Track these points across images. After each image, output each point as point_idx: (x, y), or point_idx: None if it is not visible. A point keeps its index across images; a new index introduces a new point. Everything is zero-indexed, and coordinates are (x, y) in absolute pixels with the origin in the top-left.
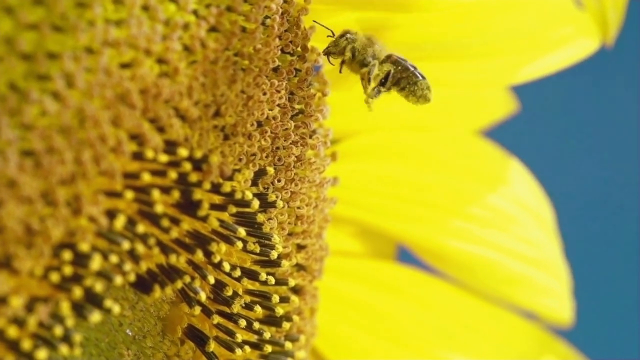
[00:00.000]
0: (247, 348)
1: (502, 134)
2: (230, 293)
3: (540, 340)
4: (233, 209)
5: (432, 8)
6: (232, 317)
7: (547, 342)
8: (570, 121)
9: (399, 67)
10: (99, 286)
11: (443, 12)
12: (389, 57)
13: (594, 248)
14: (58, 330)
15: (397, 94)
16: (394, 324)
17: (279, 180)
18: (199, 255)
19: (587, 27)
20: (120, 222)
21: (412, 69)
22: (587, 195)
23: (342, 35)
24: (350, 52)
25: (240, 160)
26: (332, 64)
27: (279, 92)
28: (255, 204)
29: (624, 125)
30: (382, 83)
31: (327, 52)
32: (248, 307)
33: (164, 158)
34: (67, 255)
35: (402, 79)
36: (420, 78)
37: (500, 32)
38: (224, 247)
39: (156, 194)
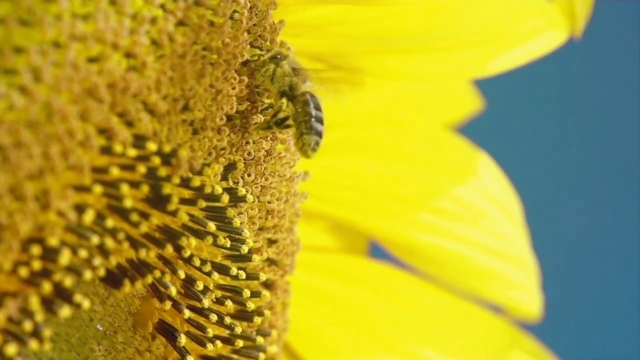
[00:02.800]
0: (219, 343)
1: (471, 130)
2: (201, 288)
3: (510, 335)
4: (203, 204)
5: (400, 1)
6: (203, 312)
7: (516, 337)
8: (538, 116)
9: (303, 110)
10: (68, 281)
11: (411, 5)
12: (302, 95)
13: (575, 244)
14: (27, 325)
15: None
16: (366, 319)
17: (249, 175)
18: (169, 250)
19: (555, 19)
20: (89, 216)
21: (311, 121)
22: (555, 189)
23: (271, 58)
24: (269, 78)
25: (209, 154)
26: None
27: (248, 86)
28: (225, 198)
29: (593, 120)
30: (277, 123)
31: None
32: (219, 301)
33: (132, 152)
34: (35, 249)
35: (301, 122)
36: (312, 133)
37: (469, 25)
38: (194, 241)
39: (125, 188)
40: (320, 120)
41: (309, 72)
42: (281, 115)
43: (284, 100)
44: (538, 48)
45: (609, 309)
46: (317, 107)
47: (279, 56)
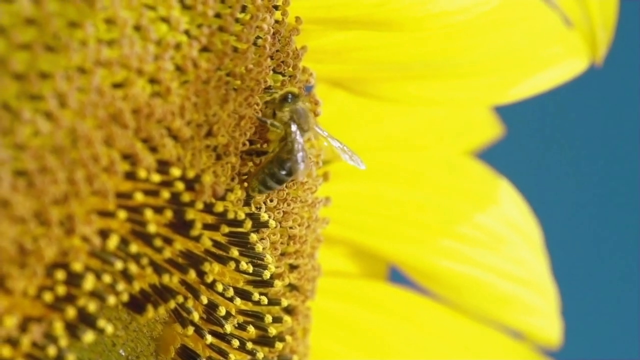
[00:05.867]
0: None
1: (490, 155)
2: (223, 313)
3: None
4: (226, 229)
5: (421, 27)
6: (225, 337)
7: None
8: (558, 141)
9: (271, 166)
10: (92, 306)
11: (432, 31)
12: (288, 153)
13: (587, 260)
14: (52, 350)
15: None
16: (386, 344)
17: (271, 200)
18: (192, 275)
19: (576, 46)
20: (113, 242)
21: (267, 179)
22: (576, 213)
23: (281, 99)
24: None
25: (232, 179)
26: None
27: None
28: (248, 223)
29: (613, 145)
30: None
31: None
32: (241, 327)
33: (156, 178)
34: (60, 275)
35: (262, 170)
36: (262, 186)
37: (490, 51)
38: (216, 267)
39: (149, 213)
40: (279, 182)
41: (311, 124)
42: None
43: (279, 145)
44: (559, 75)
45: (609, 309)
46: (288, 173)
47: (289, 97)
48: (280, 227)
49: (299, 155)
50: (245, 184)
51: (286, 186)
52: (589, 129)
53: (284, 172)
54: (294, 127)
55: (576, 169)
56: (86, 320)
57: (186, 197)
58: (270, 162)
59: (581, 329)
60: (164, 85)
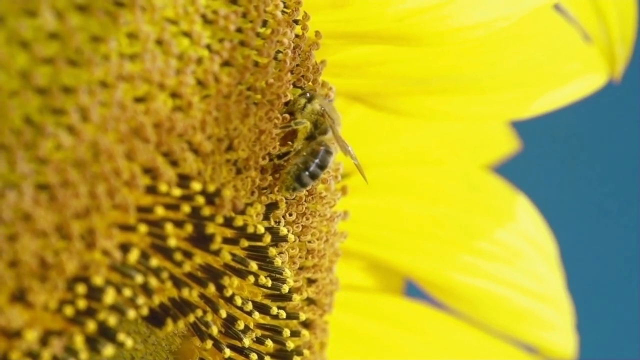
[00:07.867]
0: None
1: (507, 169)
2: (241, 327)
3: None
4: (245, 243)
5: (441, 42)
6: (243, 351)
7: None
8: (574, 155)
9: (305, 159)
10: (112, 320)
11: (451, 46)
12: (318, 144)
13: (599, 268)
14: None
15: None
16: (401, 357)
17: (290, 214)
18: (211, 289)
19: (595, 61)
20: (133, 255)
21: (301, 173)
22: (592, 227)
23: (300, 94)
24: (299, 112)
25: (252, 194)
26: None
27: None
28: (267, 237)
29: (629, 160)
30: (279, 156)
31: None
32: (259, 341)
33: (177, 192)
34: (81, 288)
35: (296, 164)
36: (296, 181)
37: (509, 66)
38: (235, 280)
39: (169, 227)
40: (313, 177)
41: (335, 125)
42: (284, 150)
43: (305, 142)
44: (577, 90)
45: (609, 309)
46: (321, 165)
47: (308, 94)
48: (299, 241)
49: (327, 148)
50: (277, 186)
51: (305, 200)
52: (606, 144)
53: (317, 162)
54: (326, 115)
55: (592, 183)
56: (106, 333)
57: (206, 211)
58: (302, 156)
59: (581, 329)
60: (185, 100)
